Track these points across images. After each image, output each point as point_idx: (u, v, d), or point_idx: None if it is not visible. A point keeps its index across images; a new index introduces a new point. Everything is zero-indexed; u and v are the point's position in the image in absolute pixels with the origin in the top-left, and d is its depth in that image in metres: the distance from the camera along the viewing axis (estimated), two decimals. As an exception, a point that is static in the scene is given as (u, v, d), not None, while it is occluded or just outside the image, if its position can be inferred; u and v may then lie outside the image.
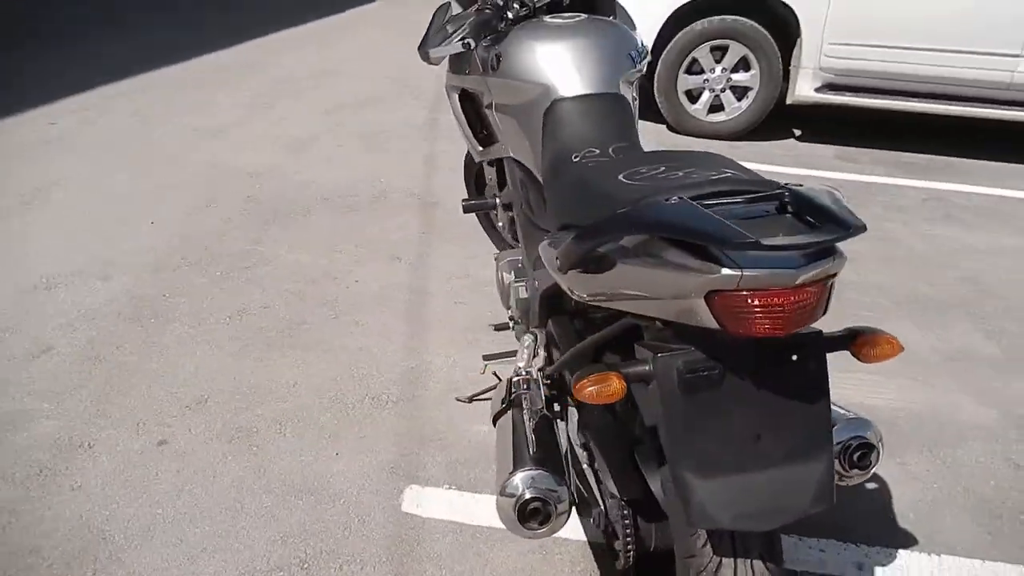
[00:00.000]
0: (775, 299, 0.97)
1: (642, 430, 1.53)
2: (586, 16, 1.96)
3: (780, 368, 1.12)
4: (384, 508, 1.92)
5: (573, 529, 1.87)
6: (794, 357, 1.12)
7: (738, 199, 1.10)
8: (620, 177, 1.32)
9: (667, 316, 1.11)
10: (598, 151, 1.69)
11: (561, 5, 2.04)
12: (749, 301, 0.98)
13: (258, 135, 4.56)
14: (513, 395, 1.69)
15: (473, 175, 3.01)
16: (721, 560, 1.23)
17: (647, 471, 1.45)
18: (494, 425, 1.72)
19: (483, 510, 1.93)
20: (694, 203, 1.07)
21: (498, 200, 2.45)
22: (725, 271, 0.96)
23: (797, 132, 5.28)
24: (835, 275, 1.03)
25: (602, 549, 1.78)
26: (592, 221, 1.25)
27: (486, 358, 2.15)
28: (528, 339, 1.70)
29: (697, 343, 1.11)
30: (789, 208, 1.07)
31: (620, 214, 1.10)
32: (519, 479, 1.38)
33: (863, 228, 0.94)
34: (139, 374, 2.37)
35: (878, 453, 1.35)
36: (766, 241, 0.91)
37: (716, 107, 4.97)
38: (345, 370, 2.45)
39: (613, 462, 1.46)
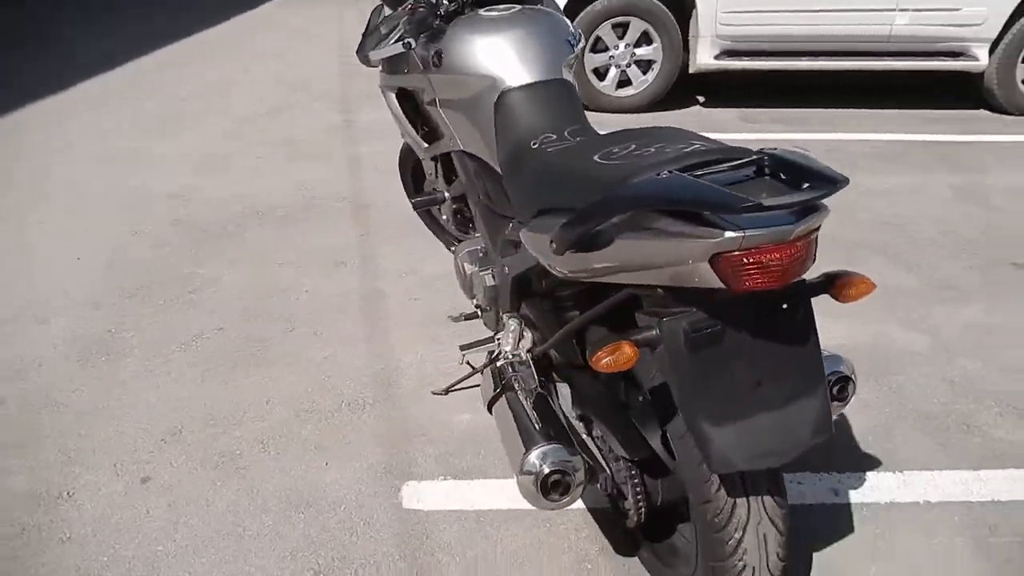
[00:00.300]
0: (774, 254, 1.06)
1: (634, 394, 1.61)
2: (519, 7, 2.02)
3: (773, 317, 1.21)
4: (386, 508, 1.95)
5: (571, 500, 1.95)
6: (784, 306, 1.22)
7: (721, 167, 1.19)
8: (595, 158, 1.39)
9: (669, 282, 1.18)
10: (555, 136, 1.75)
11: None
12: (751, 259, 1.06)
13: (169, 155, 4.42)
14: (505, 379, 1.74)
15: (410, 172, 3.03)
16: (735, 501, 1.32)
17: (647, 431, 1.53)
18: (489, 412, 1.77)
19: (482, 495, 1.98)
20: (685, 175, 1.15)
21: (446, 194, 2.48)
22: (728, 234, 1.05)
23: (701, 99, 5.50)
24: (819, 227, 1.13)
25: (604, 514, 1.87)
26: (578, 203, 1.31)
27: (463, 348, 2.20)
28: (513, 323, 1.75)
29: (697, 304, 1.19)
30: (767, 171, 1.17)
31: (617, 193, 1.17)
32: (535, 456, 1.45)
33: (847, 181, 1.04)
34: (104, 415, 2.30)
35: (854, 384, 1.48)
36: (766, 202, 0.99)
37: (624, 82, 5.12)
38: (315, 381, 2.44)
39: (617, 427, 1.54)
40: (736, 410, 1.21)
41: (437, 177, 2.62)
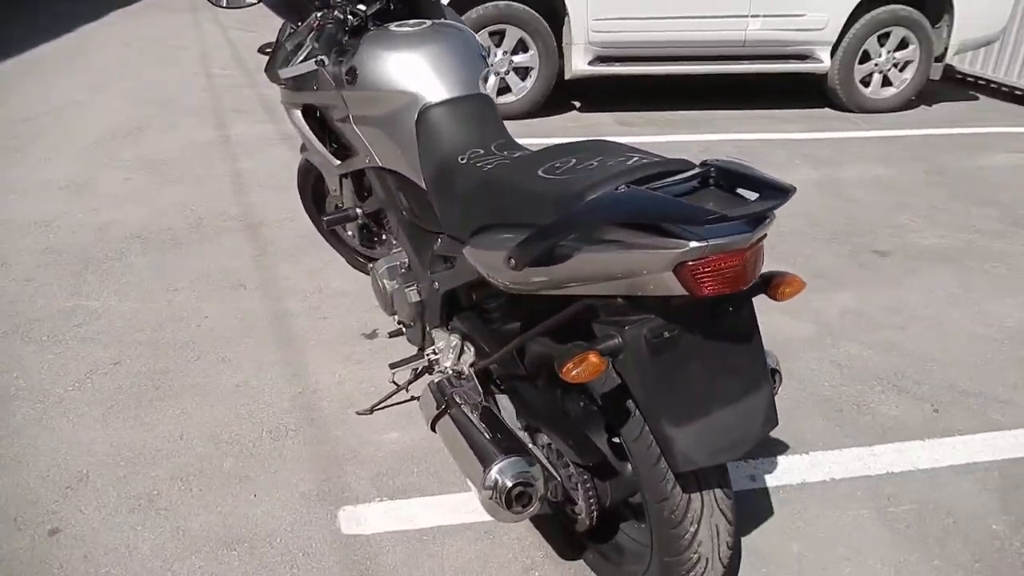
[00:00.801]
0: (733, 261, 1.13)
1: (577, 401, 1.66)
2: (429, 22, 2.02)
3: (722, 318, 1.29)
4: (324, 536, 1.90)
5: (511, 508, 1.97)
6: (730, 308, 1.30)
7: (668, 180, 1.25)
8: (539, 173, 1.42)
9: (629, 292, 1.23)
10: (482, 151, 1.77)
11: (389, 12, 2.08)
12: (712, 266, 1.13)
13: (25, 180, 4.07)
14: (447, 395, 1.74)
15: (310, 190, 2.96)
16: (690, 496, 1.40)
17: (595, 436, 1.58)
18: (433, 430, 1.77)
19: (421, 512, 1.97)
20: (641, 188, 1.20)
21: (359, 211, 2.44)
22: (693, 244, 1.10)
23: (577, 104, 5.66)
24: (767, 234, 1.21)
25: (545, 521, 1.90)
26: (528, 219, 1.34)
27: (393, 366, 2.17)
28: (454, 339, 1.75)
29: (655, 310, 1.25)
30: (711, 182, 1.24)
31: (579, 208, 1.20)
32: (496, 471, 1.46)
33: (794, 190, 1.12)
34: (-6, 466, 2.11)
35: (780, 375, 1.59)
36: (731, 214, 1.06)
37: (504, 89, 5.19)
38: (230, 411, 2.34)
39: (567, 434, 1.57)
40: (695, 409, 1.28)
41: (343, 193, 2.58)
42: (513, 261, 1.31)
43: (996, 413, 2.37)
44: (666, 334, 1.24)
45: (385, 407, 2.34)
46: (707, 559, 1.44)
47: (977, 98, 6.19)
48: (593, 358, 1.22)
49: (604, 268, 1.22)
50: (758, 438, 1.33)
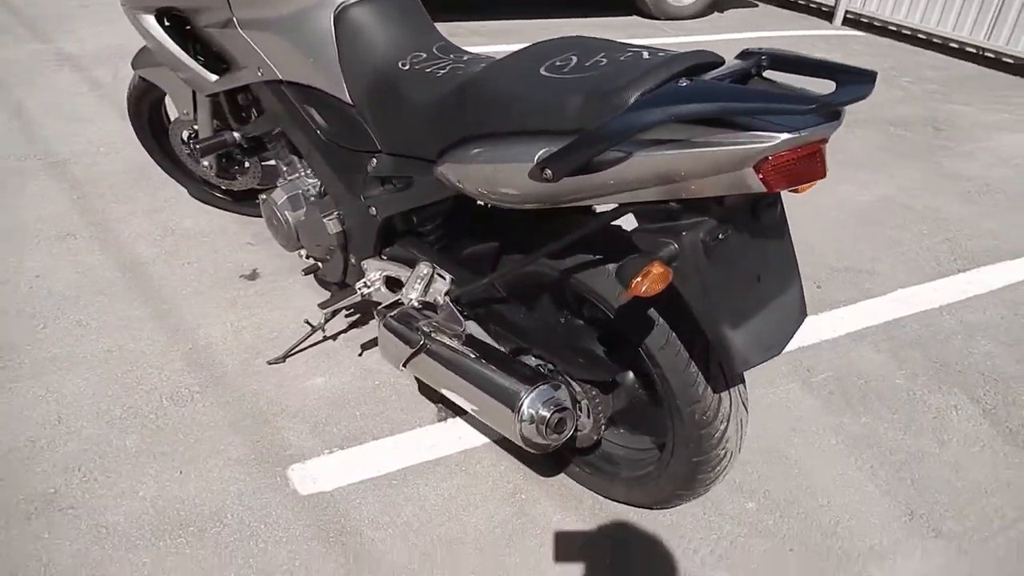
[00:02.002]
0: (815, 151, 1.06)
1: (562, 315, 1.56)
2: None
3: (760, 215, 1.24)
4: (281, 501, 1.66)
5: (474, 437, 1.85)
6: (767, 203, 1.25)
7: (713, 72, 1.14)
8: (543, 72, 1.25)
9: (686, 195, 1.12)
10: (424, 55, 1.56)
11: None
12: (797, 159, 1.05)
13: None
14: (419, 329, 1.57)
15: (146, 114, 2.50)
16: (720, 396, 1.37)
17: (598, 350, 1.50)
18: (403, 367, 1.59)
19: (380, 457, 1.78)
20: (715, 81, 1.09)
21: (237, 136, 2.09)
22: (785, 135, 1.01)
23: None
24: None
25: (511, 444, 1.80)
26: (552, 124, 1.18)
27: (323, 306, 1.90)
28: (424, 267, 1.55)
29: (707, 212, 1.16)
30: (753, 72, 1.15)
31: (640, 107, 1.05)
32: (528, 404, 1.34)
33: (876, 73, 1.06)
34: None
35: None
36: (835, 100, 0.97)
37: None
38: (110, 381, 1.95)
39: (577, 352, 1.47)
40: (748, 309, 1.22)
41: (205, 116, 2.19)
42: (549, 172, 1.15)
43: (867, 283, 2.60)
44: (721, 236, 1.16)
45: (299, 351, 2.08)
46: (731, 453, 1.43)
47: (756, 5, 6.66)
48: (658, 268, 1.11)
49: (665, 170, 1.10)
50: (796, 331, 1.32)
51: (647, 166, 1.11)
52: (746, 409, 1.43)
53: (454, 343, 1.51)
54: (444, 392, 1.53)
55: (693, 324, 1.33)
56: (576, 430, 1.54)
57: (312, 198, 1.89)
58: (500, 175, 1.25)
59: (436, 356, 1.51)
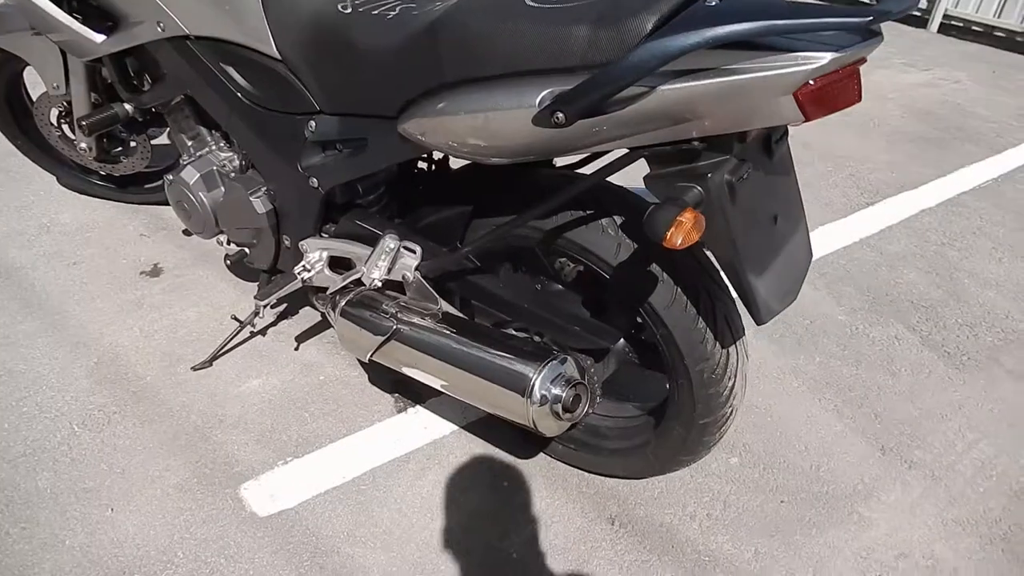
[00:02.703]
0: (853, 72, 0.96)
1: (541, 282, 1.42)
2: None
3: (772, 151, 1.14)
4: (239, 527, 1.45)
5: (440, 424, 1.69)
6: (777, 139, 1.15)
7: None
8: (529, 3, 1.08)
9: (715, 130, 0.99)
10: None
11: None
12: (837, 82, 0.94)
13: None
14: (388, 312, 1.38)
15: (2, 89, 2.12)
16: (727, 351, 1.28)
17: (585, 315, 1.38)
18: (372, 359, 1.40)
19: (342, 461, 1.60)
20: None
21: (129, 108, 1.79)
22: (830, 55, 0.89)
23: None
24: None
25: (485, 428, 1.67)
26: (543, 61, 1.02)
27: (261, 297, 1.64)
28: (390, 241, 1.35)
29: (728, 150, 1.04)
30: None
31: (668, 33, 0.90)
32: (540, 385, 1.19)
33: None
34: None
35: None
36: (892, 7, 0.86)
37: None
38: (5, 412, 1.64)
39: (572, 320, 1.34)
40: (768, 255, 1.13)
41: (80, 87, 1.86)
42: (561, 116, 0.99)
43: (789, 222, 2.61)
44: (743, 175, 1.05)
45: (226, 352, 1.84)
46: (736, 409, 1.35)
47: None
48: (690, 216, 0.98)
49: (693, 104, 0.96)
50: (806, 273, 1.24)
51: (672, 100, 0.96)
52: (748, 360, 1.35)
53: (430, 324, 1.34)
54: (426, 380, 1.35)
55: (698, 276, 1.23)
56: (590, 395, 1.40)
57: (231, 174, 1.63)
58: (494, 125, 1.08)
59: (413, 341, 1.33)
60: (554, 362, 1.21)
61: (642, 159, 1.08)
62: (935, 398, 1.88)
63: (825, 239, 2.51)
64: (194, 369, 1.79)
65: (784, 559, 1.46)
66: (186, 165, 1.68)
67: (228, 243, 1.74)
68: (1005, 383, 1.93)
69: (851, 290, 2.26)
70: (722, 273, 1.17)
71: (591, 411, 1.33)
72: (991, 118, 3.60)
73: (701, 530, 1.51)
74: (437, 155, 1.63)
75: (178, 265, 2.13)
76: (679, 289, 1.22)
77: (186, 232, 2.26)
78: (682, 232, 0.97)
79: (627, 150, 1.07)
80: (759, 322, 1.13)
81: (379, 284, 1.38)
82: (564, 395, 1.18)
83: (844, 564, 1.46)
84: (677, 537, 1.49)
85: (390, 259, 1.35)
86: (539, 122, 1.01)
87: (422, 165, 1.66)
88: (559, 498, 1.55)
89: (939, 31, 4.99)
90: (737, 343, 1.30)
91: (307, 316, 1.98)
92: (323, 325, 1.95)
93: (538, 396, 1.18)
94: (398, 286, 1.40)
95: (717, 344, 1.25)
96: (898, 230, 2.60)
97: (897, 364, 1.98)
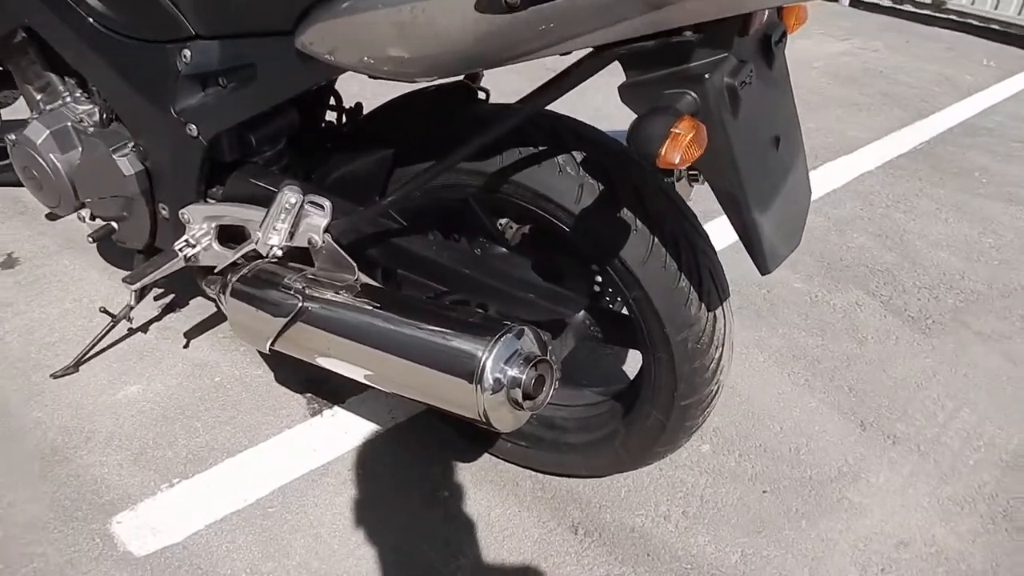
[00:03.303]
0: None
1: (485, 246, 1.17)
2: None
3: (773, 55, 0.91)
4: (111, 572, 1.12)
5: (363, 427, 1.40)
6: (776, 41, 0.92)
7: None
8: None
9: (716, 13, 0.75)
10: None
11: None
12: None
13: None
14: (291, 285, 1.09)
15: None
16: (714, 314, 1.06)
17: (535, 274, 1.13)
18: (272, 347, 1.11)
19: (243, 478, 1.29)
20: None
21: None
22: None
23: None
24: None
25: (412, 428, 1.39)
26: None
27: (130, 280, 1.30)
28: (291, 195, 1.04)
29: (725, 46, 0.80)
30: None
31: None
32: (492, 365, 0.93)
33: None
34: None
35: None
36: None
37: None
38: None
39: (523, 286, 1.08)
40: (771, 186, 0.91)
41: None
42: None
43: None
44: (747, 80, 0.82)
45: (97, 354, 1.49)
46: (722, 386, 1.12)
47: None
48: (686, 125, 0.74)
49: None
50: (807, 214, 1.02)
51: None
52: (734, 323, 1.13)
53: (346, 298, 1.05)
54: (342, 371, 1.05)
55: (678, 223, 1.00)
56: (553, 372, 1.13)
57: (91, 129, 1.30)
58: (423, 20, 0.81)
59: (323, 321, 1.04)
60: (508, 336, 0.93)
61: (608, 68, 0.84)
62: (907, 365, 1.71)
63: (771, 205, 2.34)
64: (55, 376, 1.44)
65: (776, 559, 1.24)
66: (32, 121, 1.33)
67: (92, 218, 1.40)
68: (975, 346, 1.78)
69: (804, 257, 2.09)
70: (699, 219, 0.95)
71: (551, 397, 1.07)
72: (913, 84, 3.54)
73: (678, 532, 1.28)
74: (348, 105, 1.35)
75: (39, 254, 1.76)
76: (656, 240, 0.98)
77: (51, 216, 1.89)
78: (679, 146, 0.73)
79: (591, 51, 0.82)
80: (764, 270, 0.91)
81: (279, 253, 1.08)
82: (524, 377, 0.91)
83: (842, 559, 1.25)
84: (652, 542, 1.25)
85: (292, 218, 1.05)
86: (487, 7, 0.75)
87: (331, 118, 1.37)
88: (511, 507, 1.29)
89: (851, 4, 4.98)
90: (723, 305, 1.07)
91: (200, 307, 1.65)
92: (219, 318, 1.63)
93: (490, 380, 0.91)
94: (305, 257, 1.10)
95: (703, 306, 1.02)
96: (842, 193, 2.46)
97: (862, 331, 1.81)
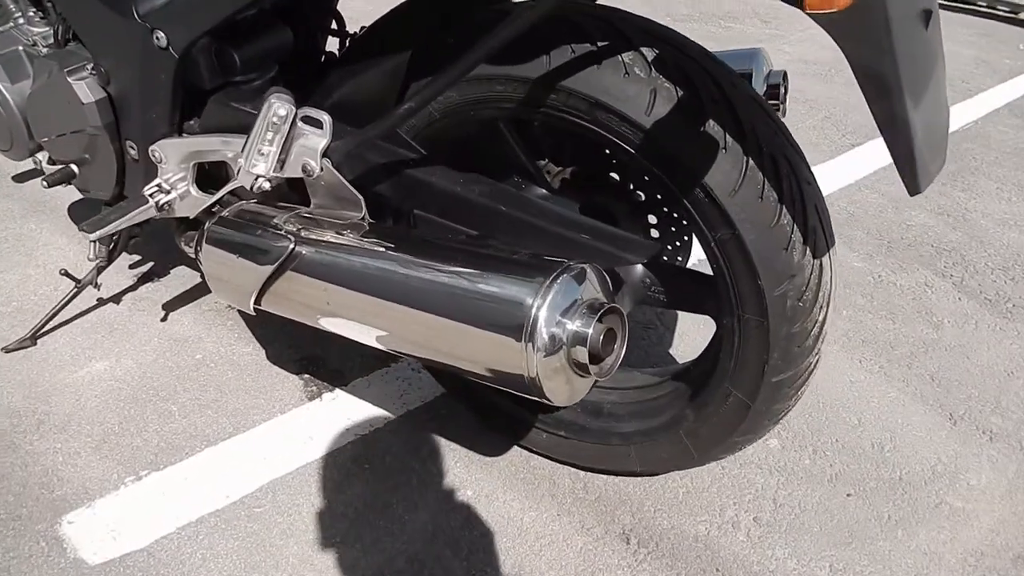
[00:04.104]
0: None
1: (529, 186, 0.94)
2: None
3: None
4: (54, 586, 0.90)
5: (368, 411, 1.17)
6: None
7: None
8: None
9: None
10: None
11: None
12: None
13: None
14: (280, 225, 0.87)
15: None
16: (820, 261, 0.84)
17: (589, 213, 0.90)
18: (257, 305, 0.88)
19: (223, 473, 1.06)
20: None
21: None
22: None
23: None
24: None
25: (427, 414, 1.16)
26: None
27: (88, 228, 1.05)
28: (280, 106, 0.81)
29: None
30: None
31: None
32: (546, 312, 0.69)
33: None
34: None
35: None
36: None
37: None
38: None
39: (569, 225, 0.85)
40: (921, 71, 0.69)
41: None
42: None
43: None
44: None
45: (58, 326, 1.27)
46: (821, 358, 0.90)
47: None
48: None
49: None
50: (948, 131, 0.80)
51: None
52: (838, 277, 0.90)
53: (350, 239, 0.82)
54: (345, 332, 0.82)
55: (775, 140, 0.79)
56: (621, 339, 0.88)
57: (43, 51, 1.08)
58: None
59: (323, 269, 0.81)
60: (567, 276, 0.69)
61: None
62: (992, 352, 1.48)
63: (819, 181, 2.11)
64: (6, 350, 1.22)
65: (872, 576, 1.01)
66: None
67: (49, 162, 1.17)
68: (1065, 331, 1.55)
69: (861, 234, 1.86)
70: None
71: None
72: (952, 66, 3.30)
73: (750, 542, 1.04)
74: (352, 28, 1.13)
75: (1, 217, 1.54)
76: (750, 162, 0.76)
77: (19, 179, 1.66)
78: None
79: None
80: (915, 189, 0.70)
81: (267, 186, 0.85)
82: (591, 331, 0.68)
83: (952, 577, 1.02)
84: (720, 554, 1.02)
85: (282, 138, 0.82)
86: None
87: (332, 49, 1.15)
88: (548, 510, 1.06)
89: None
90: (830, 253, 0.85)
91: (181, 277, 1.43)
92: (204, 288, 1.40)
93: (545, 337, 0.67)
94: (300, 194, 0.88)
95: (807, 252, 0.80)
96: (891, 170, 2.22)
97: (937, 315, 1.58)
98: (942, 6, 4.50)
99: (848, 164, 2.26)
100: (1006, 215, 2.02)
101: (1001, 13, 4.22)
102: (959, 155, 2.38)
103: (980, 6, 4.31)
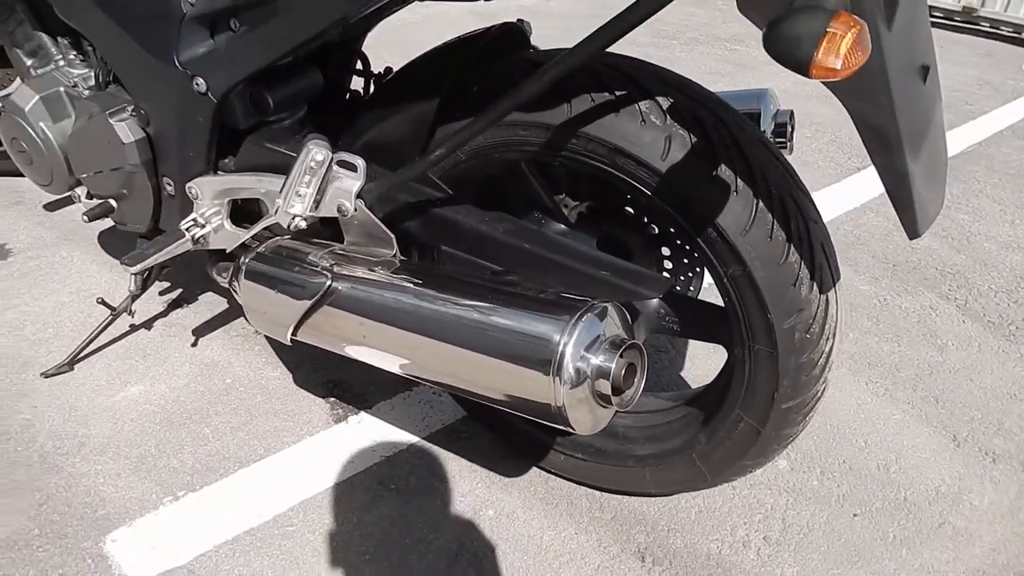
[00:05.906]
0: None
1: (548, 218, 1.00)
2: None
3: None
4: (101, 602, 0.95)
5: (393, 433, 1.23)
6: None
7: None
8: None
9: None
10: None
11: None
12: None
13: None
14: (317, 262, 0.93)
15: None
16: (827, 297, 0.89)
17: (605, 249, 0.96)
18: (294, 336, 0.94)
19: (258, 493, 1.12)
20: None
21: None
22: None
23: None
24: None
25: (449, 437, 1.22)
26: None
27: (129, 262, 1.11)
28: (317, 152, 0.88)
29: None
30: None
31: None
32: (572, 348, 0.74)
33: None
34: None
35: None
36: None
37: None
38: None
39: (588, 262, 0.90)
40: (919, 124, 0.74)
41: None
42: None
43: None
44: None
45: (94, 351, 1.33)
46: (828, 386, 0.95)
47: None
48: (844, 23, 0.57)
49: None
50: (946, 173, 0.86)
51: None
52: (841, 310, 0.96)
53: (383, 276, 0.88)
54: (377, 362, 0.88)
55: (784, 183, 0.84)
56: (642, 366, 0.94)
57: (85, 93, 1.14)
58: None
59: (358, 304, 0.87)
60: (591, 315, 0.76)
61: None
62: (995, 374, 1.53)
63: (825, 204, 2.16)
64: (46, 375, 1.28)
65: (878, 594, 1.06)
66: (20, 86, 1.18)
67: (88, 197, 1.24)
68: (1067, 354, 1.60)
69: (866, 257, 1.92)
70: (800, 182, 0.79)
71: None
72: (955, 87, 3.38)
73: (760, 560, 1.09)
74: (377, 71, 1.19)
75: (33, 245, 1.61)
76: (760, 204, 0.81)
77: (50, 207, 1.73)
78: (837, 48, 0.57)
79: None
80: (914, 233, 0.75)
81: (303, 225, 0.92)
82: (613, 366, 0.74)
83: (956, 595, 1.07)
84: (732, 572, 1.07)
85: (318, 181, 0.89)
86: None
87: (357, 88, 1.22)
88: (565, 529, 1.11)
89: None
90: (835, 287, 0.90)
91: (210, 302, 1.49)
92: (232, 314, 1.47)
93: (571, 371, 0.73)
94: (332, 231, 0.94)
95: (814, 287, 0.85)
96: (898, 194, 2.29)
97: (941, 337, 1.63)
98: (944, 25, 4.57)
99: (854, 187, 2.31)
100: (1010, 238, 2.07)
101: (1004, 33, 4.28)
102: (963, 177, 2.43)
103: (983, 27, 4.38)
